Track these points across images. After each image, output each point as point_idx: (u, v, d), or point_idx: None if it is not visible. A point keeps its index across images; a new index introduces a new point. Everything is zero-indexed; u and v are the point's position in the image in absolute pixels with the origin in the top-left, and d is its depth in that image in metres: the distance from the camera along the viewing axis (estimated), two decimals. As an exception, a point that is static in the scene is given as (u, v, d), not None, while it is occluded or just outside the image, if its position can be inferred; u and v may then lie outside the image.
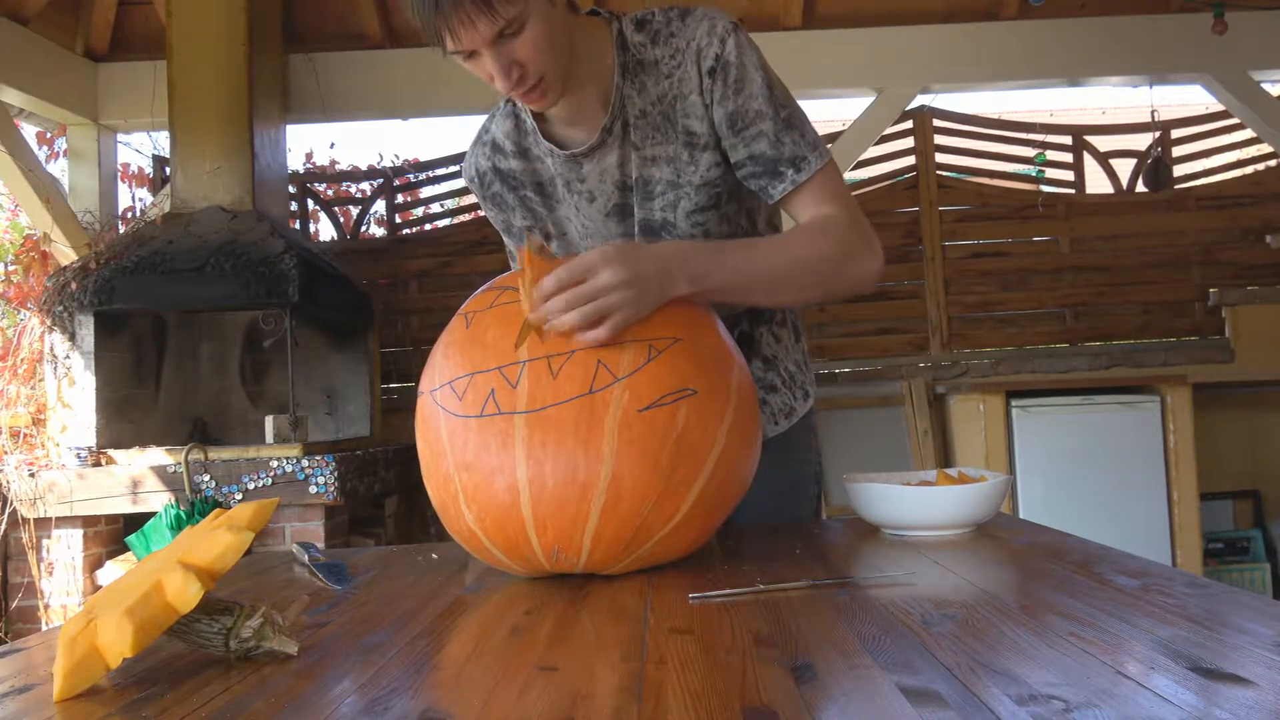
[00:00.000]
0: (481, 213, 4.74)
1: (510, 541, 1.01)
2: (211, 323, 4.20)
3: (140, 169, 4.62)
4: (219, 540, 0.79)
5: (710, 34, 1.22)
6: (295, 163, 4.71)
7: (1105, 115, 7.59)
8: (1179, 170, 4.70)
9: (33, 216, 4.01)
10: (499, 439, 0.99)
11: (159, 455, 3.39)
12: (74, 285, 3.48)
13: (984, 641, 0.74)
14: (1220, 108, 4.61)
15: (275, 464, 3.29)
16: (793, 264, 1.20)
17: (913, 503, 1.20)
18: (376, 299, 4.31)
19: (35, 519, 3.32)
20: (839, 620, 0.83)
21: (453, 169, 4.79)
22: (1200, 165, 4.73)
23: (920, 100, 4.58)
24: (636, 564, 1.04)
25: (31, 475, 3.33)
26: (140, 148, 4.81)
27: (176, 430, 3.98)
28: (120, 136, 4.51)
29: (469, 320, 1.10)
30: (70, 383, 3.54)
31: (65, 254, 3.96)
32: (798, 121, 1.25)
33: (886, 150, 4.64)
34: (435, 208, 5.16)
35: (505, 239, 1.47)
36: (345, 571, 1.16)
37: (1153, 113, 4.62)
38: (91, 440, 3.51)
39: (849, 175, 4.52)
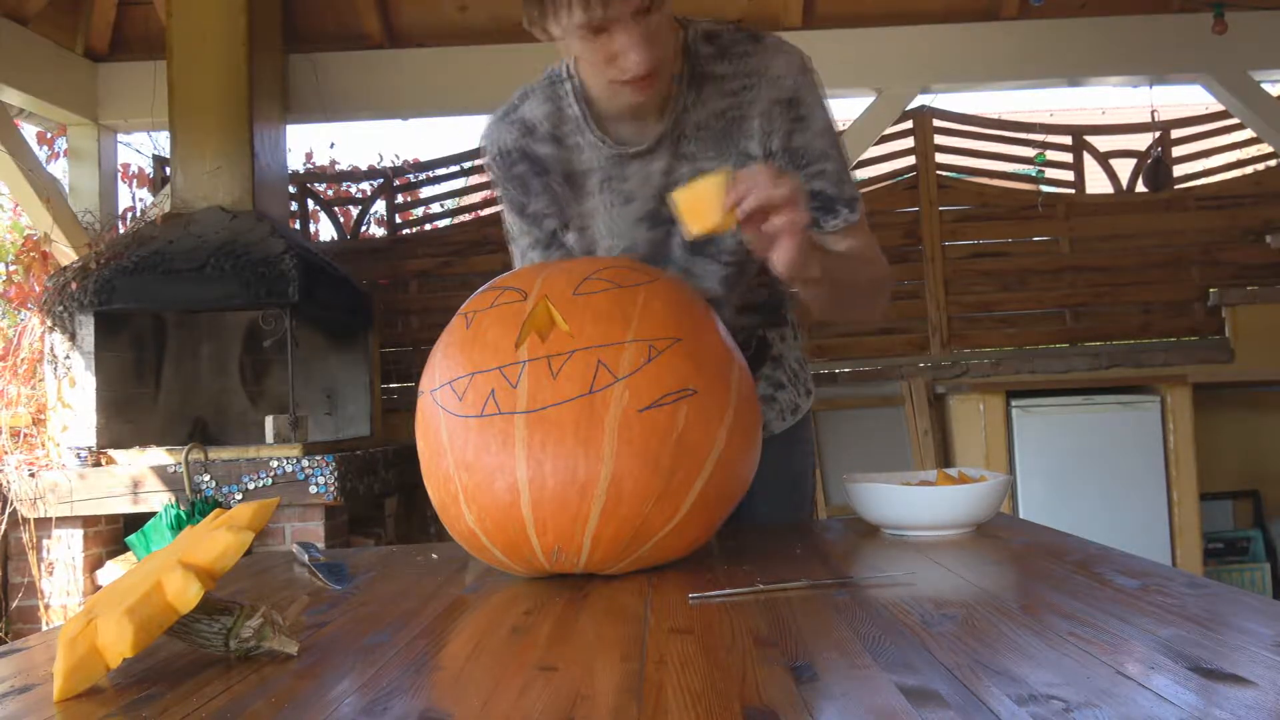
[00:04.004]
0: (481, 213, 4.77)
1: (510, 541, 1.01)
2: (211, 323, 4.20)
3: (140, 169, 4.62)
4: (219, 540, 0.79)
5: (788, 66, 1.25)
6: (295, 163, 4.71)
7: (1105, 115, 7.58)
8: (1179, 170, 4.70)
9: (33, 216, 4.01)
10: (499, 439, 0.99)
11: (159, 455, 3.39)
12: (74, 285, 3.48)
13: (984, 641, 0.74)
14: (1220, 108, 4.60)
15: (275, 464, 3.29)
16: (869, 282, 1.31)
17: (913, 503, 1.20)
18: (376, 299, 4.30)
19: (35, 519, 3.32)
20: (839, 620, 0.83)
21: (453, 169, 4.79)
22: (1200, 165, 4.72)
23: (920, 100, 4.58)
24: (636, 564, 1.04)
25: (32, 475, 3.32)
26: (140, 148, 4.80)
27: (176, 430, 3.98)
28: (120, 136, 4.51)
29: (469, 320, 1.10)
30: (71, 383, 3.54)
31: (65, 254, 3.96)
32: (846, 160, 1.31)
33: (886, 150, 4.64)
34: (435, 208, 5.16)
35: (509, 217, 1.42)
36: (345, 571, 1.16)
37: (1153, 113, 4.62)
38: (92, 440, 3.51)
39: (849, 175, 4.51)
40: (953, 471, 1.32)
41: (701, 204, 1.06)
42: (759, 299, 1.44)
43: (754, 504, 1.31)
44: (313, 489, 3.28)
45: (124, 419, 3.71)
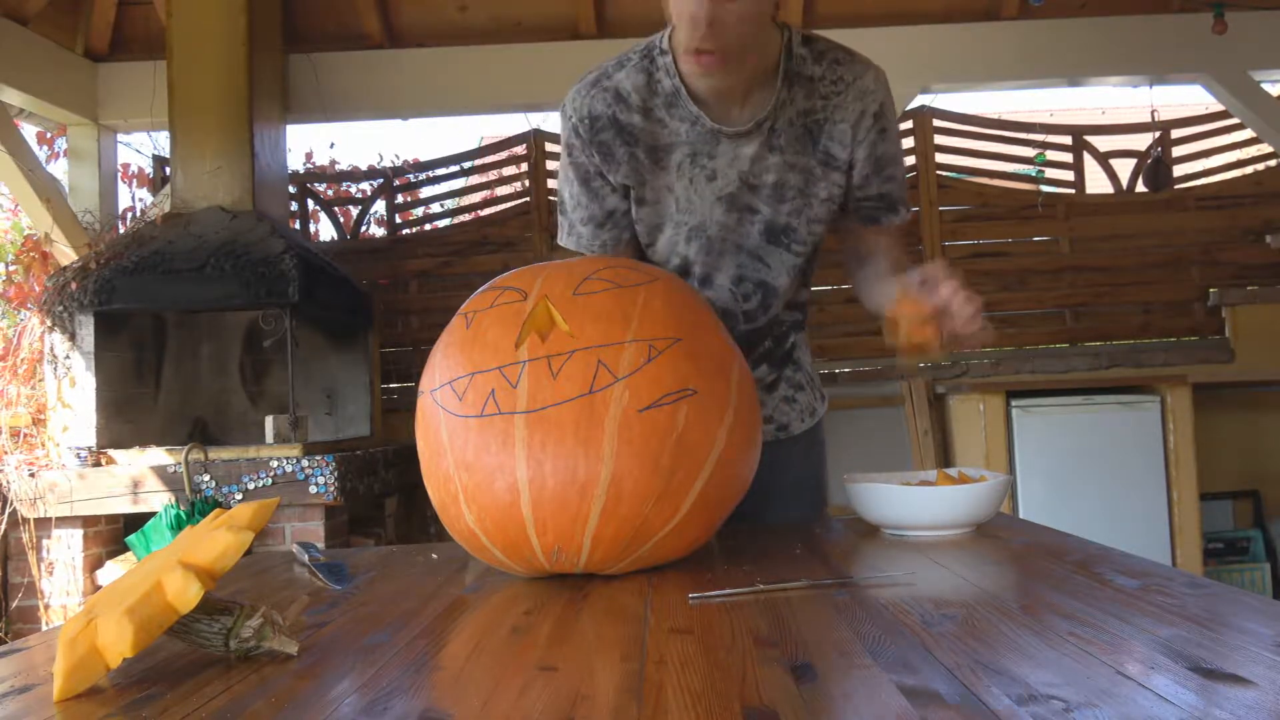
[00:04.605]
0: (481, 213, 4.77)
1: (510, 541, 1.01)
2: (211, 323, 4.20)
3: (140, 169, 4.62)
4: (219, 540, 0.79)
5: (878, 83, 1.36)
6: (295, 163, 4.71)
7: (1105, 115, 7.58)
8: (1179, 170, 4.70)
9: (33, 216, 4.01)
10: (499, 439, 0.99)
11: (159, 455, 3.39)
12: (74, 285, 3.48)
13: (984, 641, 0.74)
14: (1220, 108, 4.60)
15: (275, 464, 3.29)
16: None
17: (913, 503, 1.20)
18: (376, 299, 4.30)
19: (35, 519, 3.32)
20: (839, 620, 0.83)
21: (453, 169, 4.79)
22: (1200, 165, 4.72)
23: (920, 100, 4.57)
24: (636, 564, 1.04)
25: (31, 475, 3.32)
26: (140, 148, 4.80)
27: (176, 430, 3.98)
28: (120, 136, 4.51)
29: (469, 320, 1.10)
30: (71, 383, 3.54)
31: (65, 254, 3.96)
32: (904, 164, 1.48)
33: (886, 150, 4.63)
34: (435, 208, 5.16)
35: (568, 189, 1.43)
36: (345, 571, 1.16)
37: (1153, 113, 4.62)
38: (92, 440, 3.51)
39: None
40: (953, 471, 1.32)
41: (914, 336, 1.19)
42: (802, 298, 1.54)
43: (783, 503, 1.47)
44: (313, 489, 3.28)
45: (124, 419, 3.71)
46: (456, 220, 5.36)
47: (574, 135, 1.38)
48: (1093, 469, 3.70)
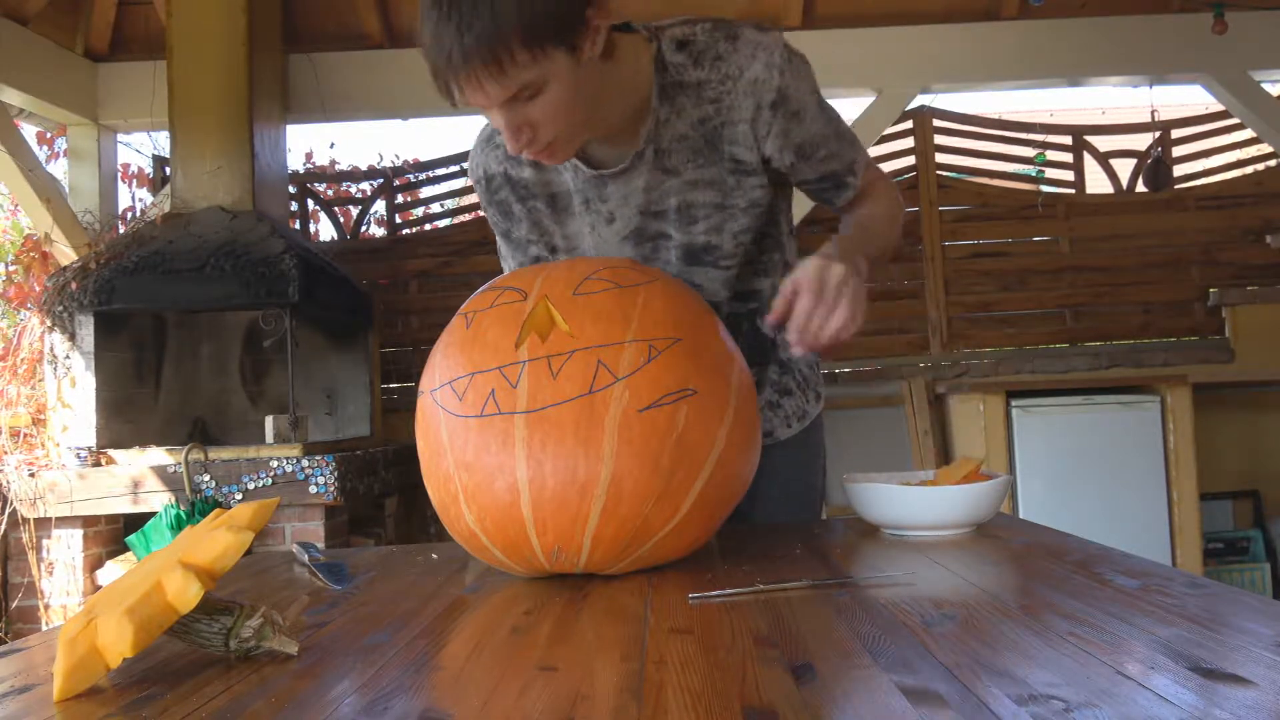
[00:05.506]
0: (482, 213, 4.76)
1: (510, 541, 1.01)
2: (211, 323, 4.20)
3: (140, 169, 4.62)
4: (219, 540, 0.79)
5: (768, 67, 1.18)
6: (295, 163, 4.71)
7: (1105, 115, 7.58)
8: (1179, 170, 4.70)
9: (33, 216, 4.01)
10: (499, 439, 0.99)
11: (159, 455, 3.39)
12: (74, 285, 3.48)
13: (984, 641, 0.74)
14: (1220, 108, 4.60)
15: (275, 464, 3.29)
16: (889, 230, 1.35)
17: (913, 503, 1.20)
18: (376, 299, 4.30)
19: (35, 519, 3.32)
20: (839, 620, 0.83)
21: (453, 169, 4.79)
22: (1200, 165, 4.72)
23: (920, 100, 4.58)
24: (636, 564, 1.04)
25: (31, 475, 3.32)
26: (140, 148, 4.81)
27: (176, 430, 3.98)
28: (120, 136, 4.51)
29: (469, 320, 1.10)
30: (71, 383, 3.54)
31: (65, 254, 3.96)
32: (843, 127, 1.30)
33: (886, 150, 4.64)
34: (435, 208, 5.16)
35: (500, 241, 1.44)
36: (345, 571, 1.16)
37: (1153, 113, 4.62)
38: (92, 440, 3.51)
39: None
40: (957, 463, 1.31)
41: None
42: (758, 285, 1.40)
43: (767, 511, 1.40)
44: (313, 489, 3.28)
45: (124, 419, 3.71)
46: (456, 220, 5.36)
47: (479, 193, 1.38)
48: (1093, 469, 3.70)
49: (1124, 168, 4.72)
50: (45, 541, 3.35)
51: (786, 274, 1.36)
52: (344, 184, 4.91)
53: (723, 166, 1.24)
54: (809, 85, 1.23)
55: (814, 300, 1.10)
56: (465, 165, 4.70)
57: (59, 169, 4.35)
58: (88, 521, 3.36)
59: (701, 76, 1.20)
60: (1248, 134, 4.72)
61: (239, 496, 3.28)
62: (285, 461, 3.29)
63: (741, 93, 1.19)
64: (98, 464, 3.42)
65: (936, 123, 4.65)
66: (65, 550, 3.34)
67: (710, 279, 1.33)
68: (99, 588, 3.32)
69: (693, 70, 1.20)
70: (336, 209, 4.77)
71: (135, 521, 3.31)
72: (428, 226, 4.83)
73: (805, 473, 1.51)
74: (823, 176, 1.30)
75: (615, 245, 1.32)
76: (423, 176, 4.82)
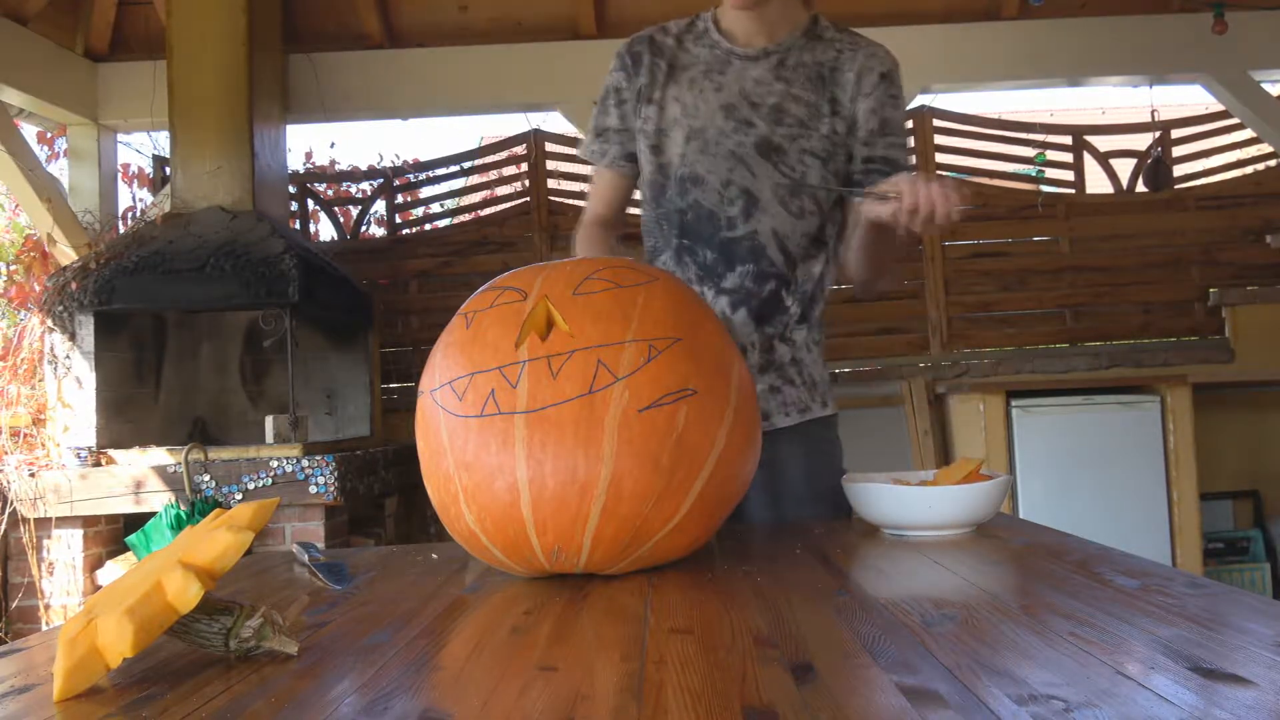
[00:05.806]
0: (481, 213, 4.78)
1: (510, 541, 1.01)
2: (211, 323, 4.20)
3: (140, 169, 4.62)
4: (219, 540, 0.79)
5: (886, 56, 1.57)
6: (295, 163, 4.71)
7: (1105, 115, 7.58)
8: (1179, 170, 4.70)
9: (33, 216, 4.00)
10: (499, 439, 0.99)
11: (159, 455, 3.39)
12: (74, 285, 3.48)
13: (984, 641, 0.74)
14: (1220, 108, 4.60)
15: (275, 464, 3.29)
16: (899, 246, 1.55)
17: (913, 503, 1.20)
18: (376, 299, 4.30)
19: (35, 519, 3.32)
20: (839, 620, 0.83)
21: (453, 169, 4.79)
22: (1200, 165, 4.72)
23: (920, 100, 4.57)
24: (636, 564, 1.04)
25: (32, 475, 3.32)
26: (140, 148, 4.80)
27: (177, 430, 3.98)
28: (120, 136, 4.50)
29: (469, 320, 1.10)
30: (78, 384, 3.54)
31: (65, 254, 3.96)
32: (908, 135, 1.64)
33: (887, 150, 4.63)
34: (435, 208, 5.16)
35: (600, 120, 1.62)
36: (345, 571, 1.16)
37: (1153, 113, 4.62)
38: (92, 440, 3.51)
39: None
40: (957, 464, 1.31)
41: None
42: (806, 288, 1.57)
43: (778, 506, 1.52)
44: (313, 489, 3.28)
45: (124, 419, 3.71)
46: (456, 220, 5.36)
47: (616, 61, 1.62)
48: (1093, 469, 3.70)
49: (1124, 168, 4.72)
50: (45, 541, 3.35)
51: (827, 268, 1.59)
52: (344, 184, 4.91)
53: (822, 96, 1.53)
54: (904, 91, 1.59)
55: (918, 184, 1.28)
56: (465, 165, 4.74)
57: (59, 169, 4.35)
58: (88, 521, 3.36)
59: (836, 38, 1.58)
60: (1248, 134, 4.72)
61: (239, 496, 3.28)
62: (285, 461, 3.29)
63: (861, 56, 1.55)
64: (98, 464, 3.42)
65: (937, 122, 4.64)
66: (65, 550, 3.34)
67: (769, 176, 1.51)
68: (99, 588, 3.32)
69: (833, 33, 1.58)
70: (336, 209, 4.77)
71: (135, 521, 3.31)
72: (428, 226, 4.83)
73: (808, 470, 1.54)
74: (887, 159, 1.55)
75: (711, 109, 1.53)
76: (423, 176, 4.82)
